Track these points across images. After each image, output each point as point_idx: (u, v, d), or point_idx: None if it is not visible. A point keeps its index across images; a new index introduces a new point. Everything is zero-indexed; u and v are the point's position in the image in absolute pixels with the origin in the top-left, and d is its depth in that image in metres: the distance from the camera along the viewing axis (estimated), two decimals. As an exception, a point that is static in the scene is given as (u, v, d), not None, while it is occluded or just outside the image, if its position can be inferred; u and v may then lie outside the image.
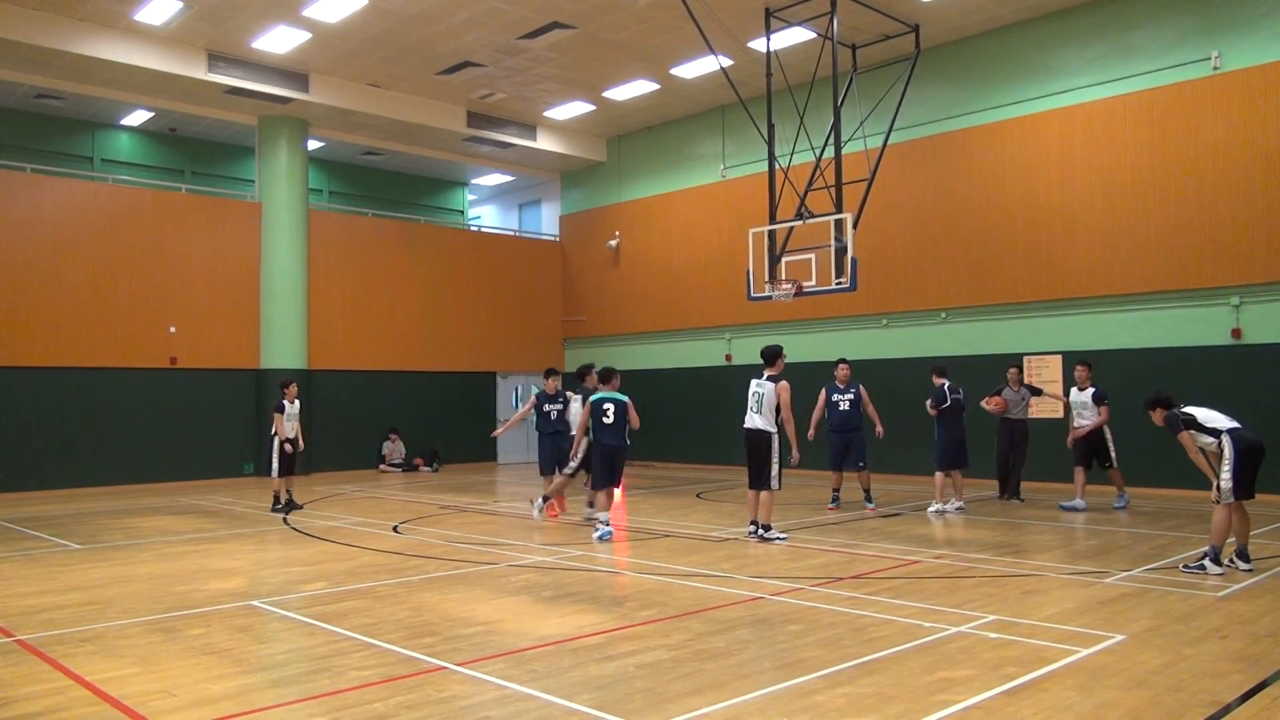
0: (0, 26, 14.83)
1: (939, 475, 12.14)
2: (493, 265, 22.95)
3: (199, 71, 16.84)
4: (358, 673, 5.19)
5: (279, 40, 16.40)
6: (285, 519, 12.29)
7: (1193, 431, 7.82)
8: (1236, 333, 13.60)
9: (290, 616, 6.67)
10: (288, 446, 12.84)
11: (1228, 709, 4.47)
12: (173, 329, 18.05)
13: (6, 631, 6.26)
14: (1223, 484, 7.66)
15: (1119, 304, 14.73)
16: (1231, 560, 7.92)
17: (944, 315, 16.73)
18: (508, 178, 25.22)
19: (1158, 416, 8.13)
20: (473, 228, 25.49)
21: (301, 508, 13.24)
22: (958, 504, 12.19)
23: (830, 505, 12.65)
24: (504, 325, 22.99)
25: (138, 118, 19.76)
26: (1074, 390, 12.37)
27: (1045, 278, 15.46)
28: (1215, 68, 13.81)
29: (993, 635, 5.81)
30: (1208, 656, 5.33)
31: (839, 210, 13.55)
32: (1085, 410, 12.11)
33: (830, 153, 14.14)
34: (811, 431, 12.58)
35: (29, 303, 16.51)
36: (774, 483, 9.73)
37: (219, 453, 18.56)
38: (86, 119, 19.75)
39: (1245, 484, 7.69)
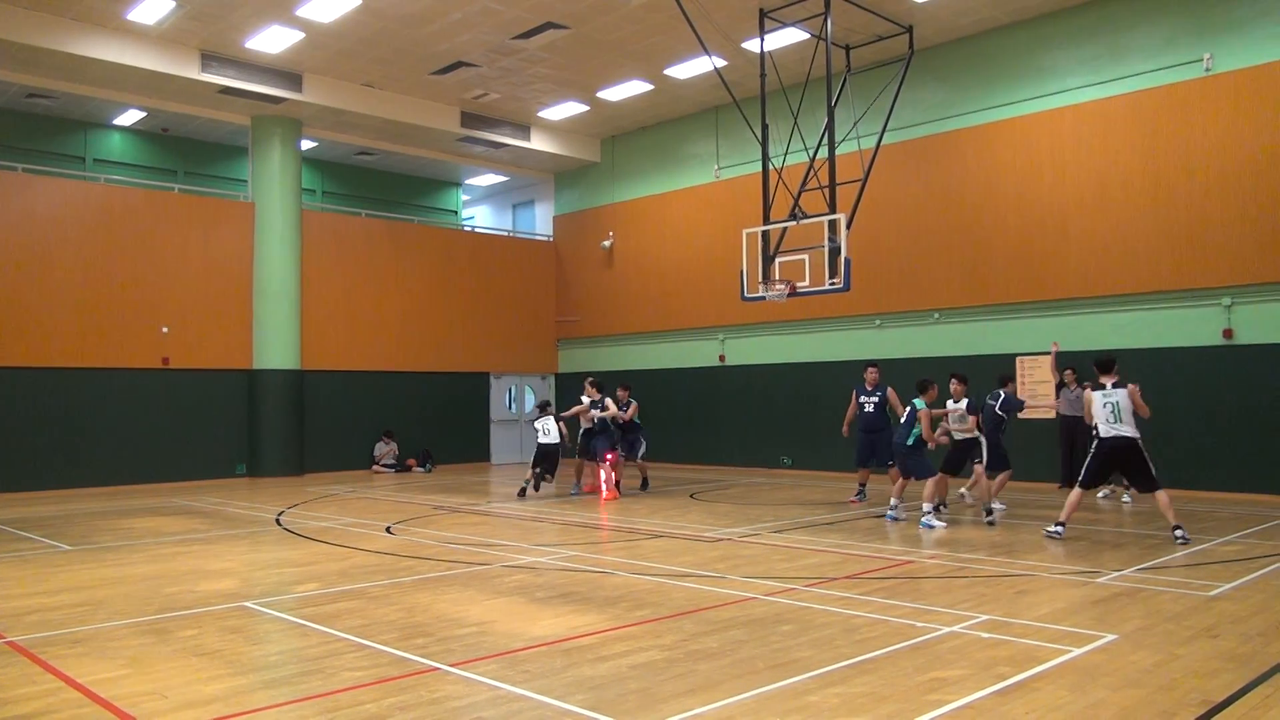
0: (-8, 26, 14.80)
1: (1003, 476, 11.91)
2: (486, 266, 22.92)
3: (192, 71, 16.79)
4: (350, 674, 5.18)
5: (272, 40, 16.36)
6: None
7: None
8: (1228, 333, 13.65)
9: (283, 617, 6.66)
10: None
11: (1219, 708, 4.48)
12: (165, 329, 18.00)
13: (-3, 633, 6.24)
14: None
15: (1111, 304, 14.77)
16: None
17: (937, 316, 16.76)
18: (501, 178, 25.19)
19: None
20: (466, 228, 25.47)
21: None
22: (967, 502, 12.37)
23: (853, 498, 13.16)
24: (497, 326, 22.97)
25: (130, 117, 19.69)
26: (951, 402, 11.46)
27: (1038, 278, 15.49)
28: (1207, 69, 13.86)
29: (985, 635, 5.82)
30: (1199, 655, 5.34)
31: (832, 211, 13.56)
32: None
33: (824, 153, 14.15)
34: (845, 428, 13.19)
35: (20, 303, 16.45)
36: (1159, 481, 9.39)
37: (211, 453, 18.51)
38: (78, 119, 19.68)
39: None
